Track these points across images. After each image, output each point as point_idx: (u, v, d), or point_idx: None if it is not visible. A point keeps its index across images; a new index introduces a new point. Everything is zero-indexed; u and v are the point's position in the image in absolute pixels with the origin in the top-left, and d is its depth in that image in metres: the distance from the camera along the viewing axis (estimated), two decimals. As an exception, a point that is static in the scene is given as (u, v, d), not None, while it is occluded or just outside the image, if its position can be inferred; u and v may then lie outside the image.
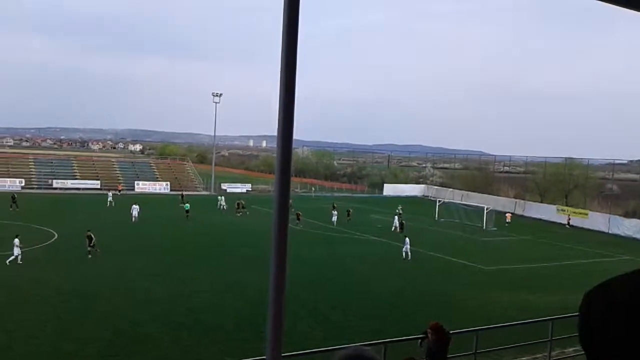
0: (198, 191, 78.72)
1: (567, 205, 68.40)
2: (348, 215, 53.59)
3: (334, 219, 51.96)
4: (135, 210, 47.90)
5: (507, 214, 61.97)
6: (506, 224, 58.65)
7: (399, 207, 58.45)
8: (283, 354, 3.19)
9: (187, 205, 51.90)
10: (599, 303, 1.12)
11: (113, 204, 56.17)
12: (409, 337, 10.97)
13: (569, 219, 62.29)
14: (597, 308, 1.11)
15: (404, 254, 37.08)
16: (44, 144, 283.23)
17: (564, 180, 76.08)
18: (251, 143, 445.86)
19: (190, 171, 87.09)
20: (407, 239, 37.73)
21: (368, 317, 24.09)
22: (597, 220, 60.68)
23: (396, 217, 51.67)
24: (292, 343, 16.02)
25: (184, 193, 65.40)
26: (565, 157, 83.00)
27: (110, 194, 59.54)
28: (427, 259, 38.07)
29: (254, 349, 17.21)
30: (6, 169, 73.35)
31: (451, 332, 11.31)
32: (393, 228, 49.62)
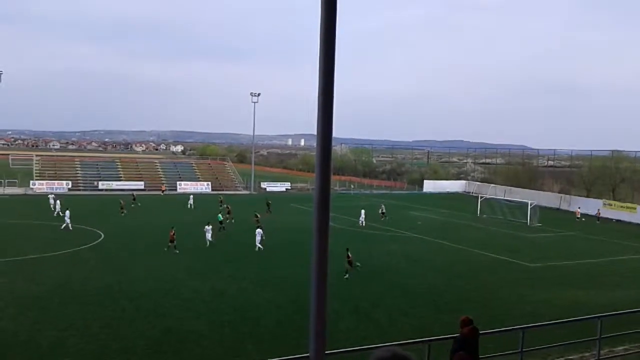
0: (238, 190, 79.68)
1: (614, 200, 66.41)
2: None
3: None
4: (52, 199, 52.88)
5: (576, 210, 61.81)
6: (578, 219, 58.58)
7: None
8: (326, 352, 3.19)
9: (220, 216, 45.94)
10: None
11: (192, 206, 56.95)
12: (453, 335, 10.84)
13: (599, 212, 60.56)
14: None
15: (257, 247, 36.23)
16: (89, 146, 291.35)
17: (611, 174, 73.89)
18: (290, 142, 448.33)
19: (230, 171, 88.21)
20: (259, 230, 36.93)
21: (410, 314, 23.94)
22: (646, 215, 58.78)
23: (363, 211, 49.03)
24: (334, 340, 16.05)
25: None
26: (612, 150, 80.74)
27: (191, 197, 59.97)
28: (469, 256, 37.52)
29: (299, 345, 17.33)
30: (54, 172, 75.83)
31: (497, 330, 11.15)
32: (360, 223, 48.02)
